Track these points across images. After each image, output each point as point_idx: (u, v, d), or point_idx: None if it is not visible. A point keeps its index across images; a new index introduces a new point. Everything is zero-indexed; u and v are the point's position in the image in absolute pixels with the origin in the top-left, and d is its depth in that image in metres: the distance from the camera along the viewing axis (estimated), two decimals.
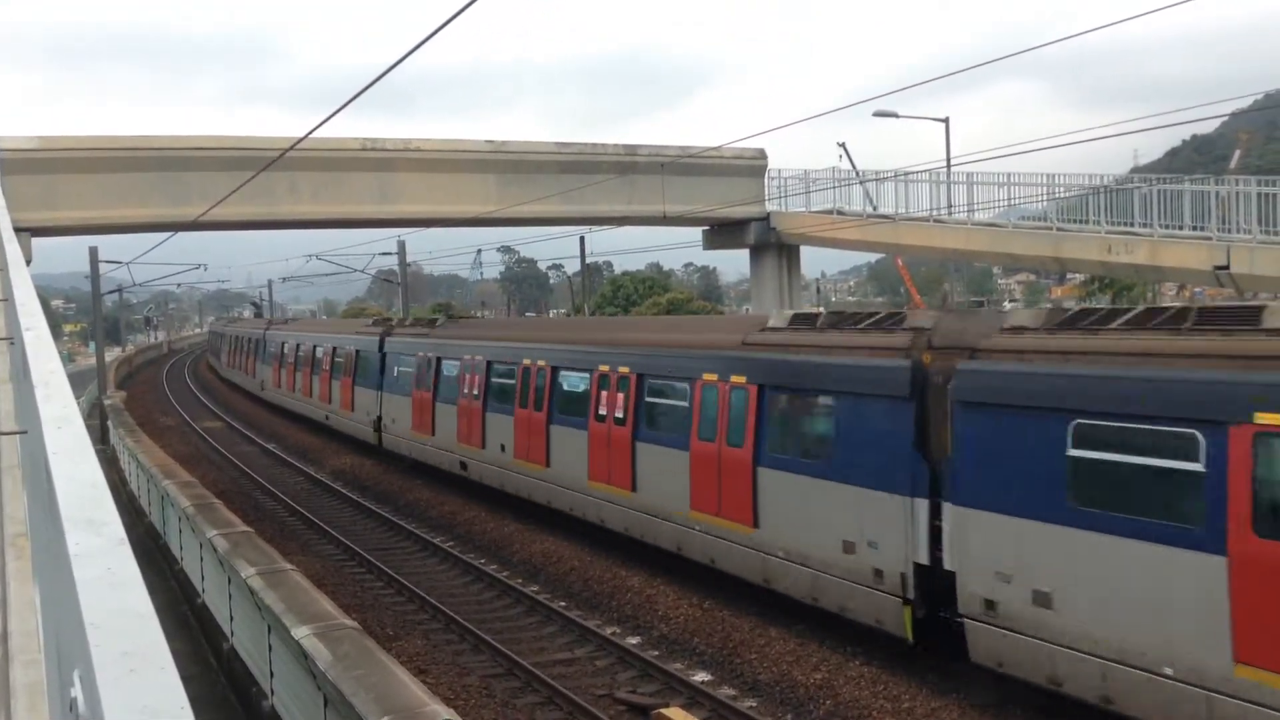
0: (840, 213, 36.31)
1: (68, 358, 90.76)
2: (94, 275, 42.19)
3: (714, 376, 14.99)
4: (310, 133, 15.67)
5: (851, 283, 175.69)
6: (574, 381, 19.04)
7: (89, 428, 3.46)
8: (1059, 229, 30.11)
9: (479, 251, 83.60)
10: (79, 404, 4.08)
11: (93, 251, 41.60)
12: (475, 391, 22.90)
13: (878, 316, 13.50)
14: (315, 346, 37.53)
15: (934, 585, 11.42)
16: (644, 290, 76.12)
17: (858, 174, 37.63)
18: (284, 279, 77.90)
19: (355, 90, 11.70)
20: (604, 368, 17.92)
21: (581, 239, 46.29)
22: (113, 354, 79.08)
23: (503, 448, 21.59)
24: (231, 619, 12.27)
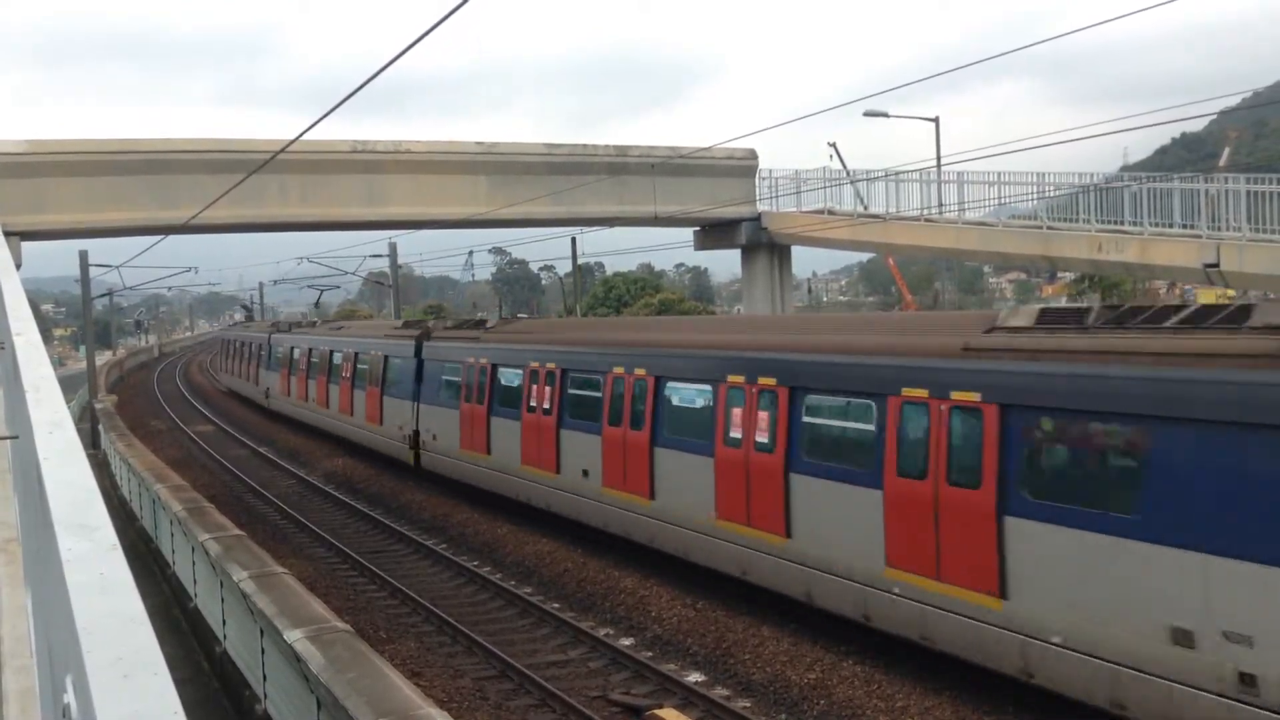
0: (831, 212, 36.35)
1: (58, 361, 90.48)
2: (84, 279, 42.05)
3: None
4: (300, 135, 15.64)
5: (843, 282, 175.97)
6: None
7: (79, 432, 3.46)
8: (1049, 228, 30.18)
9: (470, 253, 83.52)
10: (69, 408, 4.07)
11: (83, 255, 41.46)
12: None
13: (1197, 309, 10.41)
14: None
15: None
16: (636, 291, 76.21)
17: (848, 174, 37.70)
18: (275, 281, 77.70)
19: (347, 91, 11.68)
20: None
21: (573, 240, 46.28)
22: (103, 358, 78.91)
23: None
24: (224, 623, 12.24)
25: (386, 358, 28.46)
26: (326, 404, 34.00)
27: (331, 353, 33.89)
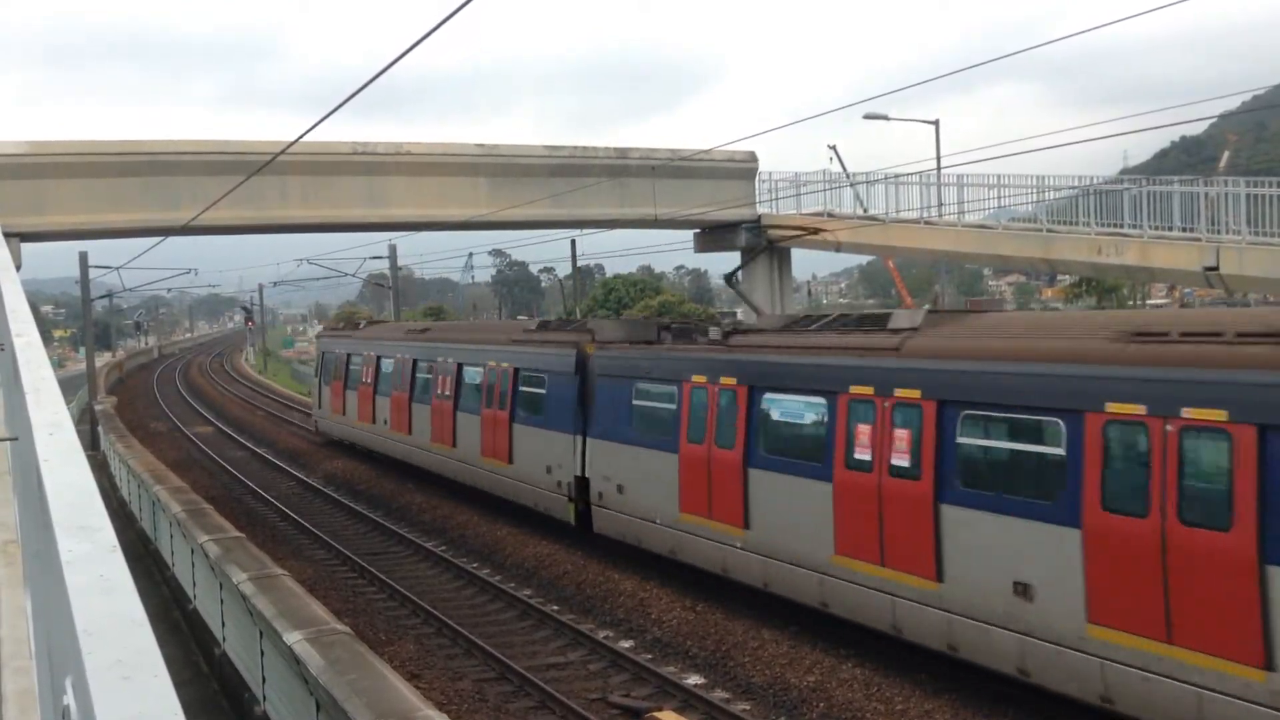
0: (831, 215, 36.34)
1: (57, 363, 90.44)
2: (84, 281, 42.05)
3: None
4: (301, 137, 15.66)
5: (842, 284, 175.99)
6: None
7: (79, 433, 3.46)
8: (1049, 230, 30.17)
9: (470, 255, 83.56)
10: (69, 410, 4.08)
11: (82, 257, 41.45)
12: None
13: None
14: None
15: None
16: (636, 293, 76.19)
17: (848, 176, 37.69)
18: (275, 283, 77.77)
19: (348, 93, 11.69)
20: None
21: (573, 242, 46.25)
22: (103, 359, 78.91)
23: None
24: (223, 624, 12.24)
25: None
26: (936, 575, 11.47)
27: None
